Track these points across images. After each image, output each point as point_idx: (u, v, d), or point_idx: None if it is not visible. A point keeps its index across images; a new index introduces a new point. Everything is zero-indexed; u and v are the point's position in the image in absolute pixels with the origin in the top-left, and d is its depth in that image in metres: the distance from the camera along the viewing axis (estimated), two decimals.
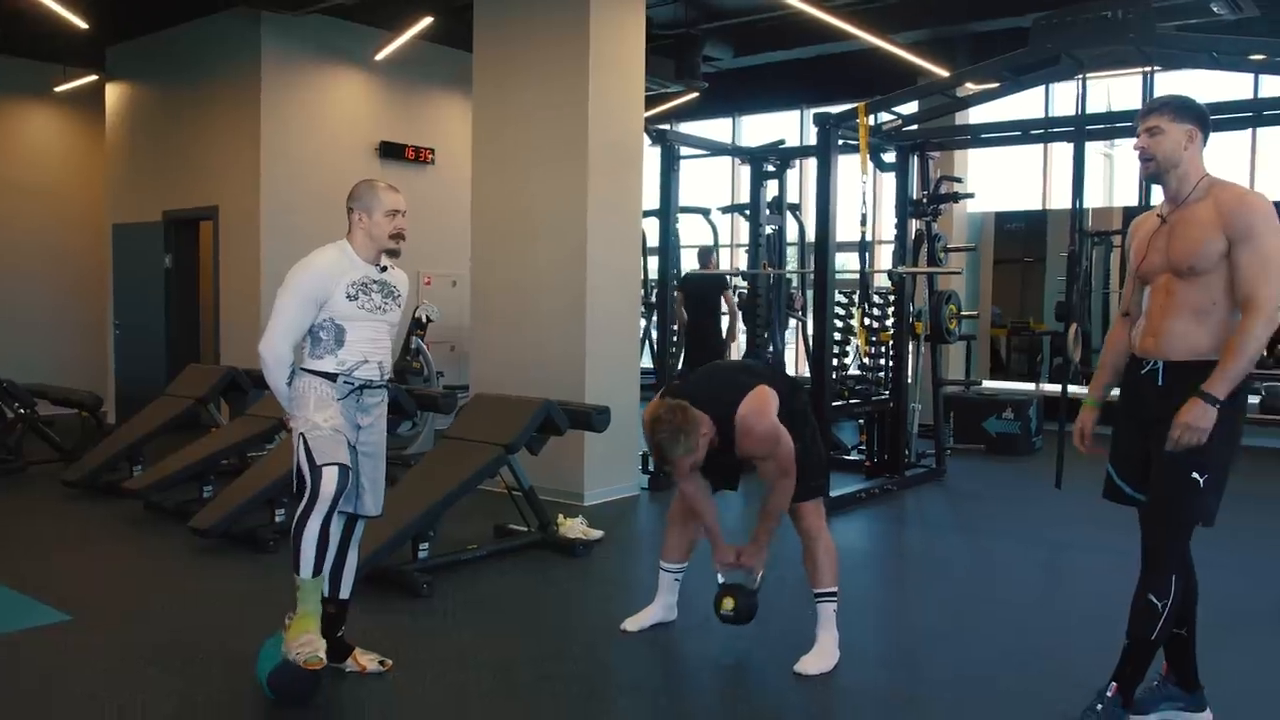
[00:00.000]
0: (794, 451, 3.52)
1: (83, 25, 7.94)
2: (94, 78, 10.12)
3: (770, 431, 3.50)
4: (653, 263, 7.31)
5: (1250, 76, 7.91)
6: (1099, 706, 2.99)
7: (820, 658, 3.61)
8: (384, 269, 3.54)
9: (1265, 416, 8.84)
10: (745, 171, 8.65)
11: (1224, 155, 9.82)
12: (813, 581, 3.70)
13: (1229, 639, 3.93)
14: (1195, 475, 2.87)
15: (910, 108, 6.98)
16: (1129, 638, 3.00)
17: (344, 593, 3.58)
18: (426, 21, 7.87)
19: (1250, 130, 9.15)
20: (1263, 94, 8.18)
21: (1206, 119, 3.08)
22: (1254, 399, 8.97)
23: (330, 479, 3.23)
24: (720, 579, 3.79)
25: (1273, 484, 7.49)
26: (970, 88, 6.91)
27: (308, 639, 3.22)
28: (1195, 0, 7.17)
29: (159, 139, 9.42)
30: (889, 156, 7.22)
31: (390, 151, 9.11)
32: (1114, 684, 3.01)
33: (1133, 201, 8.84)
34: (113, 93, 9.86)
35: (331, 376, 3.39)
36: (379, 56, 8.82)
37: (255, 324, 8.35)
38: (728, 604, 3.71)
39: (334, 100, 8.84)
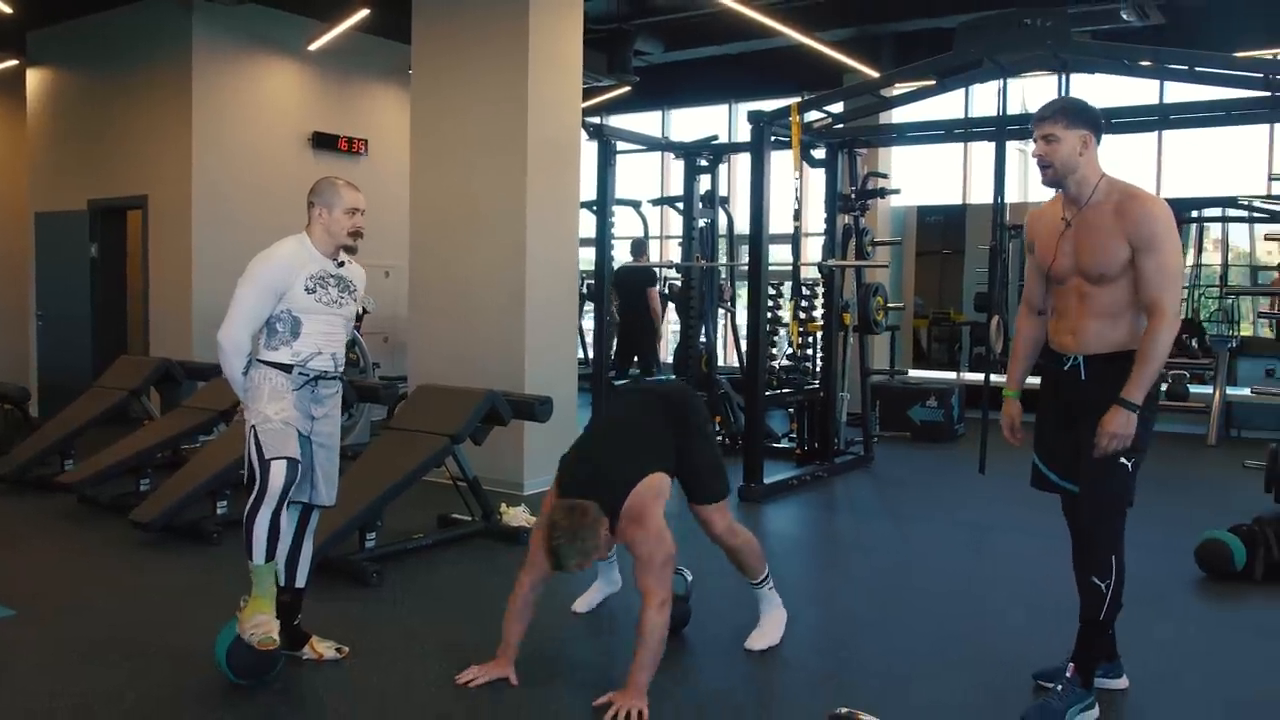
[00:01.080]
0: (671, 555, 3.33)
1: (6, 9, 7.78)
2: (14, 63, 9.89)
3: (654, 533, 3.33)
4: (587, 254, 7.42)
5: (1156, 82, 8.28)
6: (1059, 687, 3.14)
7: (768, 633, 3.80)
8: (341, 264, 3.60)
9: (1170, 403, 9.29)
10: (676, 165, 8.81)
11: (1132, 156, 10.28)
12: (746, 576, 3.85)
13: (1142, 612, 4.21)
14: (1124, 460, 3.07)
15: (839, 106, 7.19)
16: (1080, 620, 3.18)
17: (299, 581, 3.65)
18: (363, 13, 7.87)
19: (1156, 133, 9.61)
20: (1168, 99, 8.60)
21: (1099, 121, 3.18)
22: (1160, 386, 9.41)
23: (279, 473, 3.30)
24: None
25: (1177, 466, 7.91)
26: (897, 88, 7.15)
27: (261, 620, 3.29)
28: (1107, 8, 7.51)
29: (84, 126, 9.24)
30: (819, 153, 7.43)
31: (323, 142, 9.08)
32: (1071, 665, 3.17)
33: (1049, 196, 9.21)
34: (34, 78, 9.64)
35: (287, 368, 3.46)
36: (312, 46, 8.78)
37: (187, 314, 8.29)
38: None
39: (267, 90, 8.78)
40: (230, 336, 3.44)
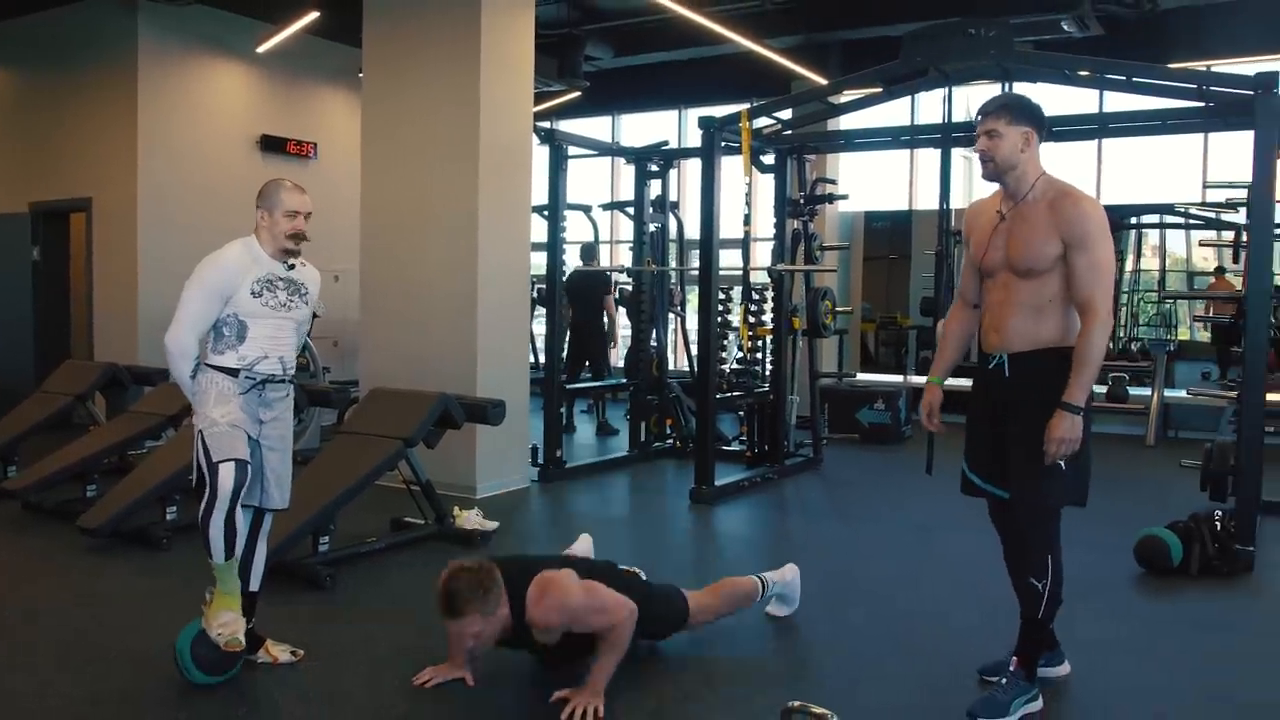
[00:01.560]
0: (595, 589, 3.30)
1: None
2: None
3: (571, 594, 3.26)
4: (538, 259, 7.44)
5: (1096, 91, 8.48)
6: (1003, 680, 3.20)
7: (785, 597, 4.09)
8: (291, 266, 3.59)
9: (1110, 405, 9.53)
10: (627, 170, 8.86)
11: (1072, 162, 10.52)
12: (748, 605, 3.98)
13: (1083, 607, 4.33)
14: (1058, 462, 3.07)
15: (788, 112, 7.29)
16: (1020, 618, 3.24)
17: (254, 585, 3.64)
18: (312, 16, 7.83)
19: (1096, 141, 9.84)
20: (1107, 108, 8.82)
21: (1042, 119, 3.20)
22: (1100, 388, 9.65)
23: (227, 475, 3.29)
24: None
25: (1118, 466, 8.11)
26: (845, 95, 7.26)
27: (229, 618, 3.31)
28: (1048, 19, 7.70)
29: (24, 128, 9.11)
30: (768, 159, 7.52)
31: (271, 145, 9.02)
32: (1014, 659, 3.23)
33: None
34: None
35: (233, 372, 3.45)
36: (261, 49, 8.72)
37: (133, 318, 8.19)
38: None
39: (214, 92, 8.70)
40: (176, 340, 3.43)
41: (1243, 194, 5.67)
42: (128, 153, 8.22)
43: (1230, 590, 4.70)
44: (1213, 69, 8.61)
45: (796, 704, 2.63)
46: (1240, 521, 5.00)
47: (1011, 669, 3.22)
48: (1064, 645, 3.55)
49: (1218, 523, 4.97)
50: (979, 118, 3.21)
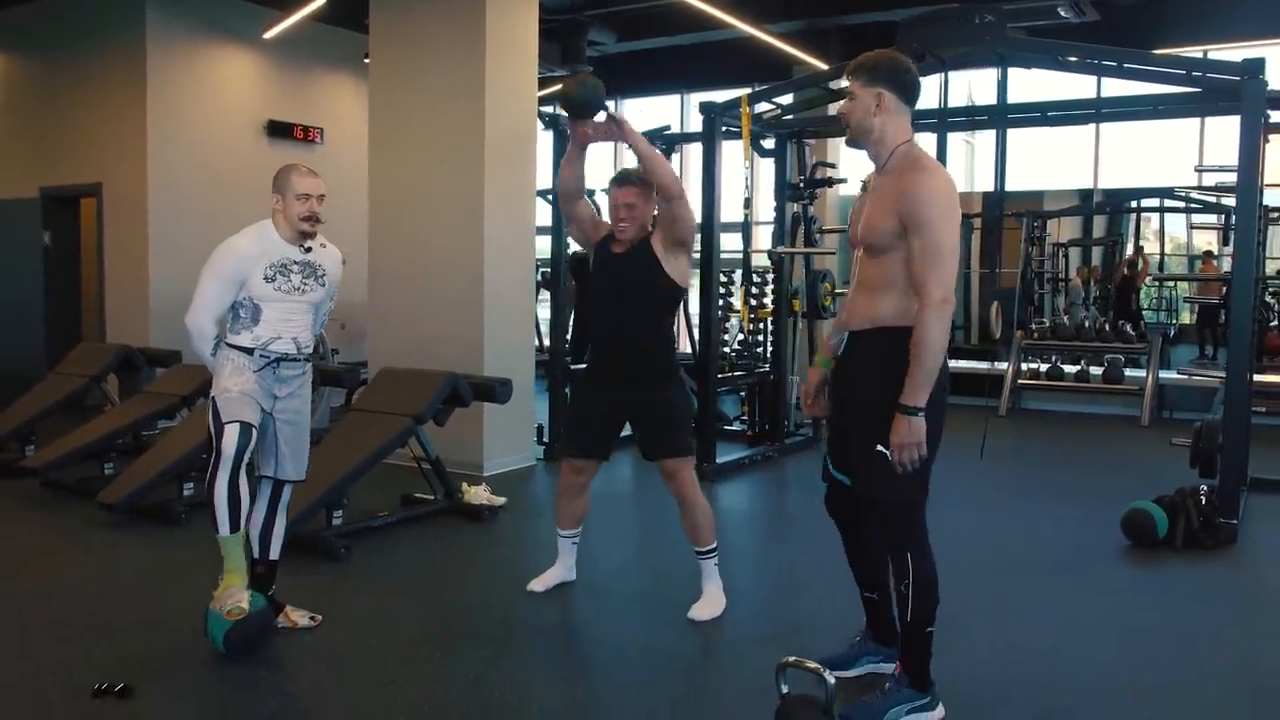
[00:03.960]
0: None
1: None
2: None
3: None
4: (542, 242, 7.57)
5: (1094, 78, 8.58)
6: (885, 685, 3.02)
7: (709, 604, 3.96)
8: (308, 249, 3.73)
9: (1107, 386, 9.67)
10: (628, 155, 8.96)
11: (1072, 146, 10.64)
12: (693, 541, 3.99)
13: (1070, 578, 4.50)
14: (881, 448, 2.81)
15: (788, 97, 7.40)
16: (898, 622, 3.00)
17: (274, 554, 3.80)
18: (319, 2, 7.94)
19: (1094, 126, 9.96)
20: (1105, 93, 8.93)
21: (903, 80, 2.87)
22: (1097, 369, 9.80)
23: (231, 435, 3.46)
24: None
25: (1113, 445, 8.26)
26: (844, 80, 7.37)
27: (229, 592, 3.46)
28: (1044, 4, 7.80)
29: (35, 113, 9.22)
30: (768, 143, 7.64)
31: (278, 130, 9.14)
32: (898, 664, 3.02)
33: (990, 187, 9.53)
34: None
35: (248, 350, 3.62)
36: (268, 35, 8.83)
37: (144, 301, 8.33)
38: (568, 85, 3.80)
39: (222, 78, 8.82)
40: (195, 322, 3.64)
41: (1232, 178, 5.78)
42: (137, 138, 8.34)
43: (1212, 562, 4.85)
44: (1208, 54, 8.72)
45: (792, 659, 2.78)
46: (1224, 495, 5.15)
47: (894, 674, 3.01)
48: (1047, 612, 3.67)
49: (1203, 497, 5.12)
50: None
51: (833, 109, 8.74)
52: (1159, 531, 4.99)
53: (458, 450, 6.41)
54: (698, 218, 6.87)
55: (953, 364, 3.02)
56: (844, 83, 2.95)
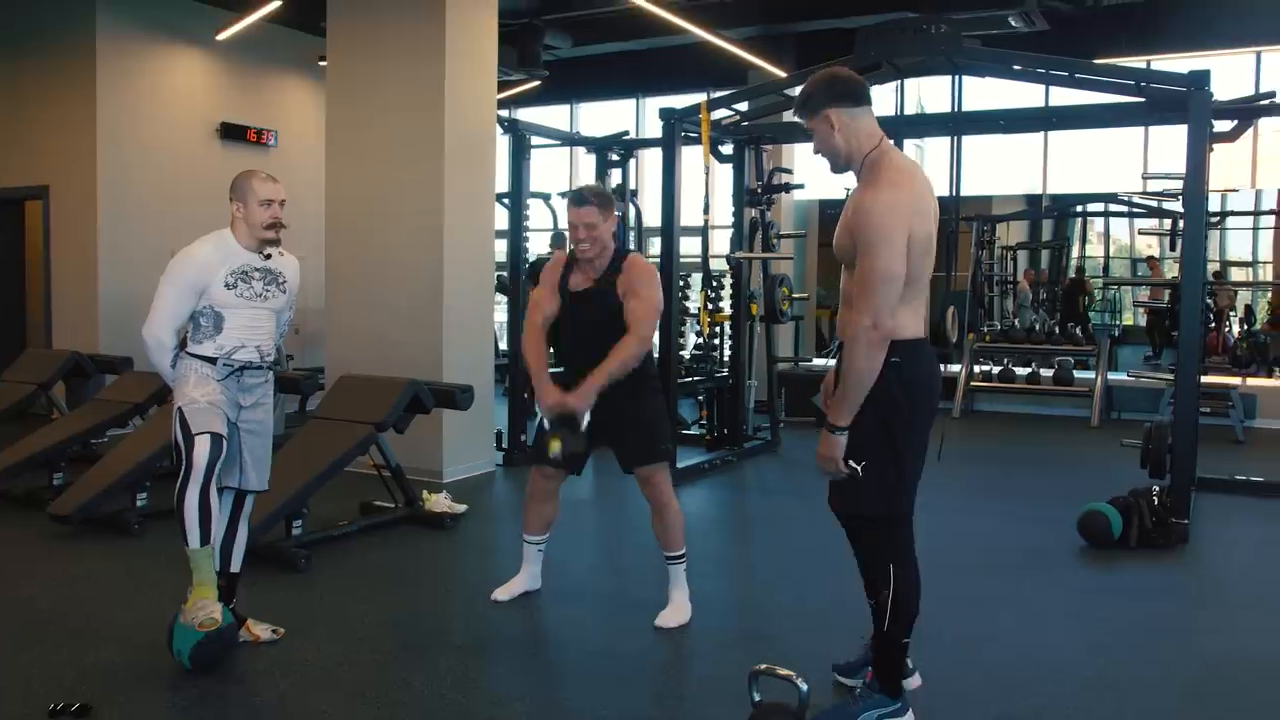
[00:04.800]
0: (658, 306, 3.83)
1: None
2: None
3: (654, 274, 3.89)
4: (500, 246, 7.55)
5: (1042, 86, 8.74)
6: (857, 691, 3.06)
7: (676, 612, 3.97)
8: (268, 256, 3.68)
9: (1058, 388, 9.86)
10: (587, 159, 8.98)
11: (1021, 153, 10.82)
12: (664, 545, 4.00)
13: (1027, 577, 4.58)
14: (852, 463, 2.83)
15: (745, 104, 7.45)
16: (874, 630, 3.00)
17: (234, 566, 3.75)
18: (274, 5, 7.85)
19: (1043, 134, 10.14)
20: (1053, 102, 9.09)
21: (839, 89, 2.85)
22: (1048, 371, 9.99)
23: (203, 447, 3.40)
24: (546, 424, 3.83)
25: (1063, 446, 8.41)
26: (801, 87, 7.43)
27: (201, 604, 3.40)
28: (996, 14, 7.93)
29: None
30: (727, 149, 7.69)
31: (231, 133, 9.03)
32: (868, 670, 3.06)
33: (943, 192, 9.64)
34: None
35: (211, 360, 3.56)
36: (221, 36, 8.71)
37: (94, 306, 8.18)
38: (555, 446, 3.75)
39: (174, 79, 8.69)
40: (153, 333, 3.56)
41: (1178, 184, 5.92)
42: (86, 140, 8.19)
43: (1166, 561, 4.96)
44: (1151, 64, 8.92)
45: (763, 666, 2.80)
46: (1176, 496, 5.27)
47: (865, 680, 3.05)
48: (1008, 613, 3.74)
49: (1155, 498, 5.23)
50: None
51: (787, 116, 8.84)
52: (1114, 532, 5.09)
53: (417, 457, 6.37)
54: (658, 221, 6.93)
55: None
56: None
